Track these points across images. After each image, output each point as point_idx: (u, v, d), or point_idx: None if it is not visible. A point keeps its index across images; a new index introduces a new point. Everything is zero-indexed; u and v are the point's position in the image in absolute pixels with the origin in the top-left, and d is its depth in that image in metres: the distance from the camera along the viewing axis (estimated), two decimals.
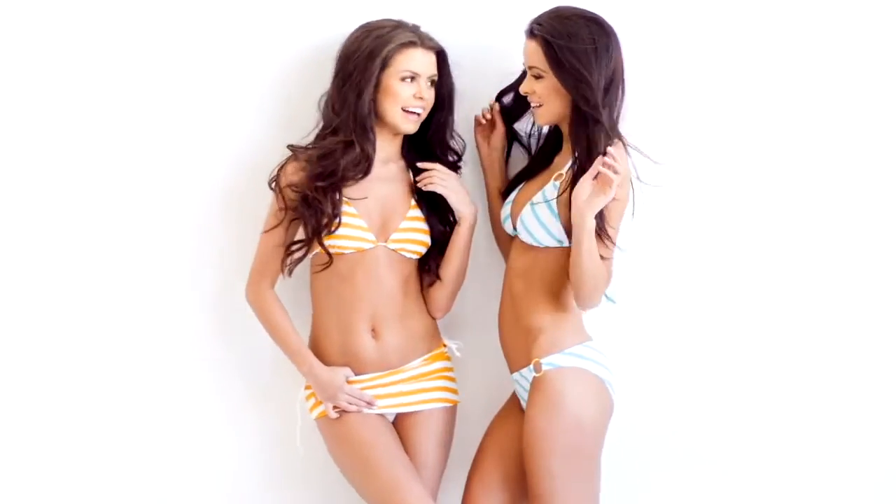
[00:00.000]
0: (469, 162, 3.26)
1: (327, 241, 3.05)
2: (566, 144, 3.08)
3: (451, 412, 3.19)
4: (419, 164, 3.14)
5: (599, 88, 2.92)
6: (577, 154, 2.96)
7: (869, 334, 3.42)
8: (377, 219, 3.10)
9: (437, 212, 3.16)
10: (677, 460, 3.43)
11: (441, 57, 3.12)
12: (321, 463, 3.23)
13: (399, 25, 3.07)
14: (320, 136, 3.10)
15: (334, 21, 3.19)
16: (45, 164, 3.30)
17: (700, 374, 3.41)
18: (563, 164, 3.05)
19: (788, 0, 3.34)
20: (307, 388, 3.16)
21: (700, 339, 3.40)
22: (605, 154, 2.87)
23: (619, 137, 2.97)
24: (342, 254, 3.07)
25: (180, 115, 3.30)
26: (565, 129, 3.06)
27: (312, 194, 3.03)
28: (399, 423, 3.17)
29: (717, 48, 3.34)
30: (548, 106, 3.01)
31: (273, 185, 3.10)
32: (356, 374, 3.10)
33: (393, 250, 3.10)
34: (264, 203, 3.14)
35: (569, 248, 2.99)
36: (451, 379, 3.21)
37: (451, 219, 3.17)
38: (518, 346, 3.06)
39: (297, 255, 3.11)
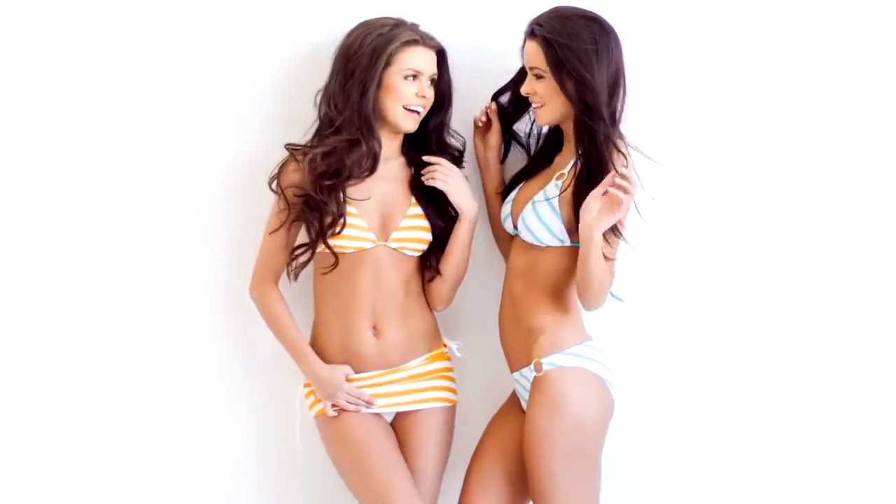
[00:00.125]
0: (469, 161, 3.26)
1: (329, 242, 3.04)
2: (567, 144, 3.08)
3: (451, 412, 3.19)
4: (424, 158, 3.13)
5: (601, 88, 2.92)
6: (579, 153, 2.96)
7: (870, 335, 3.42)
8: (377, 218, 3.10)
9: (437, 206, 3.14)
10: (677, 460, 3.43)
11: (441, 56, 3.12)
12: (320, 460, 3.23)
13: (399, 24, 3.06)
14: (321, 135, 3.09)
15: (334, 20, 3.18)
16: (45, 165, 3.30)
17: (700, 374, 3.41)
18: (564, 163, 3.04)
19: (789, 0, 3.34)
20: (307, 385, 3.16)
21: (700, 340, 3.40)
22: (617, 171, 2.86)
23: (621, 137, 2.97)
24: (343, 253, 3.07)
25: (180, 115, 3.30)
26: (567, 128, 3.06)
27: (317, 194, 3.02)
28: (399, 423, 3.16)
29: (717, 48, 3.34)
30: (549, 106, 3.01)
31: (273, 185, 3.09)
32: (356, 373, 3.10)
33: (394, 249, 3.09)
34: (264, 202, 3.14)
35: (569, 248, 2.99)
36: (451, 379, 3.20)
37: (451, 213, 3.15)
38: (518, 345, 3.06)
39: (302, 259, 3.10)
